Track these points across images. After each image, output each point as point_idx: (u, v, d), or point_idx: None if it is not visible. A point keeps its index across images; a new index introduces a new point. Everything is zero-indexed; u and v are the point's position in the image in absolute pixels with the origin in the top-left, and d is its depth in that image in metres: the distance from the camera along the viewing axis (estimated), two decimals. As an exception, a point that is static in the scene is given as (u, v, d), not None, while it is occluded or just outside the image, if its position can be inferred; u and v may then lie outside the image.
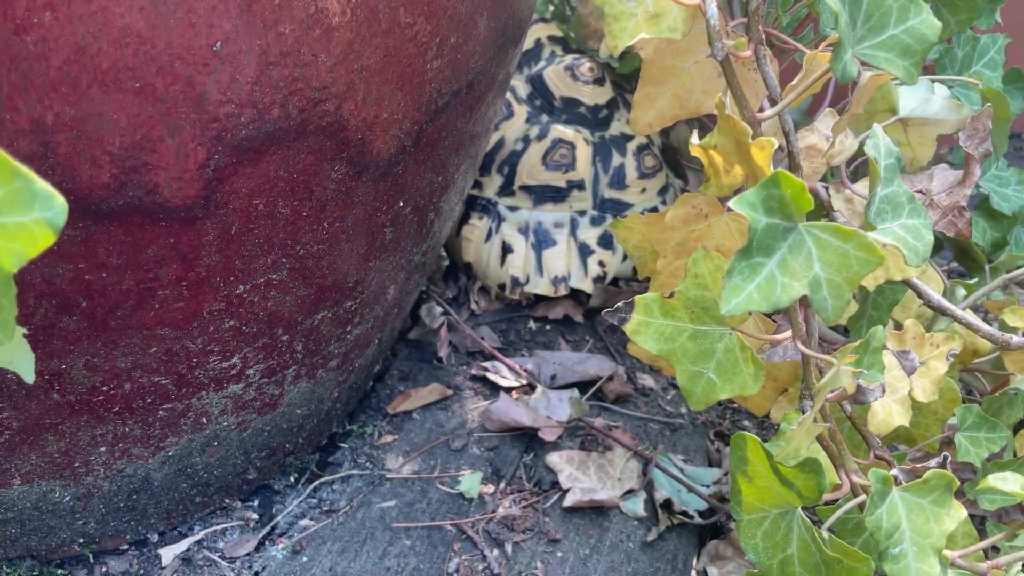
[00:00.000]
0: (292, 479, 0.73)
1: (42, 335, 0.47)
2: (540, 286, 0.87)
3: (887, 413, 0.53)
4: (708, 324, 0.47)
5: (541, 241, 0.88)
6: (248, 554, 0.67)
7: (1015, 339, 0.53)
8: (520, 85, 0.91)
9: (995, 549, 0.56)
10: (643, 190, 0.89)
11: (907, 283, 0.54)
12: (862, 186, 0.52)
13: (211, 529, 0.69)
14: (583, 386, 0.83)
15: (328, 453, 0.75)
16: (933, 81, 0.61)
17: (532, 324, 0.90)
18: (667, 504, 0.72)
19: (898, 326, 0.60)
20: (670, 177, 0.94)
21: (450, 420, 0.79)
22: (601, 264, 0.88)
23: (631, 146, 0.89)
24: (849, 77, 0.42)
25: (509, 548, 0.68)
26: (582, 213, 0.89)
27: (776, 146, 0.43)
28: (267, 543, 0.68)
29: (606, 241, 0.88)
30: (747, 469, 0.45)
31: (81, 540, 0.64)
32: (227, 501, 0.70)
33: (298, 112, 0.46)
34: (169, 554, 0.66)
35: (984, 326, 0.54)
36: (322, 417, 0.71)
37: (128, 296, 0.47)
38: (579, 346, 0.88)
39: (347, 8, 0.46)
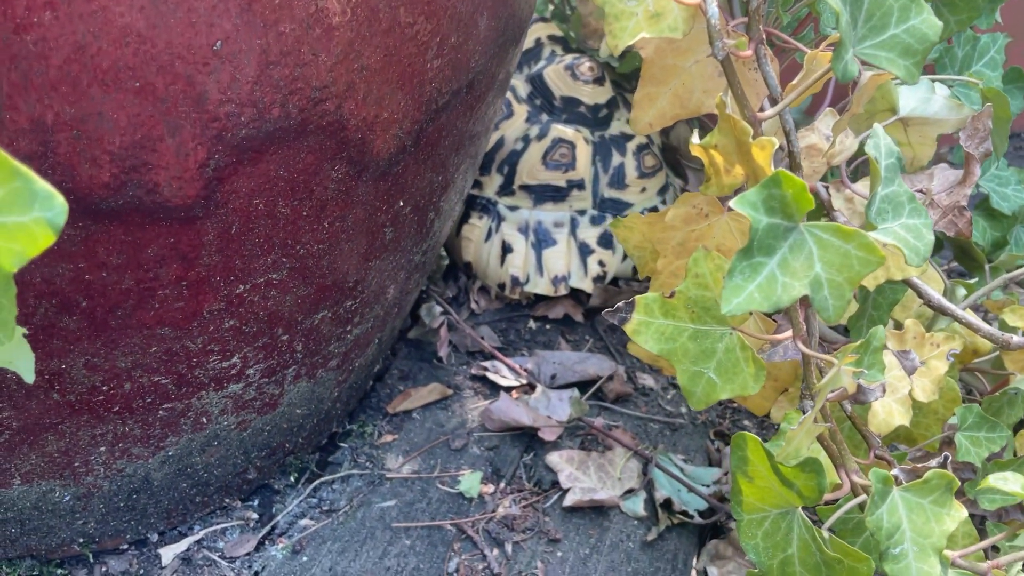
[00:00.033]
0: (292, 479, 0.73)
1: (42, 335, 0.47)
2: (540, 285, 0.87)
3: (888, 413, 0.53)
4: (709, 324, 0.47)
5: (541, 240, 0.88)
6: (248, 554, 0.67)
7: (1015, 339, 0.53)
8: (520, 84, 0.91)
9: (995, 549, 0.56)
10: (643, 189, 0.89)
11: (907, 283, 0.54)
12: (862, 186, 0.52)
13: (211, 529, 0.69)
14: (583, 386, 0.83)
15: (328, 453, 0.75)
16: (933, 81, 0.61)
17: (532, 324, 0.90)
18: (667, 504, 0.72)
19: (898, 326, 0.60)
20: (670, 176, 0.94)
21: (450, 420, 0.79)
22: (601, 264, 0.88)
23: (631, 145, 0.89)
24: (850, 77, 0.42)
25: (509, 548, 0.68)
26: (582, 212, 0.89)
27: (777, 146, 0.42)
28: (267, 543, 0.68)
29: (606, 240, 0.88)
30: (748, 469, 0.45)
31: (81, 540, 0.64)
32: (227, 501, 0.70)
33: (298, 112, 0.46)
34: (169, 554, 0.66)
35: (984, 326, 0.54)
36: (322, 417, 0.71)
37: (128, 296, 0.47)
38: (579, 346, 0.88)
39: (347, 7, 0.46)
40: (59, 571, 0.64)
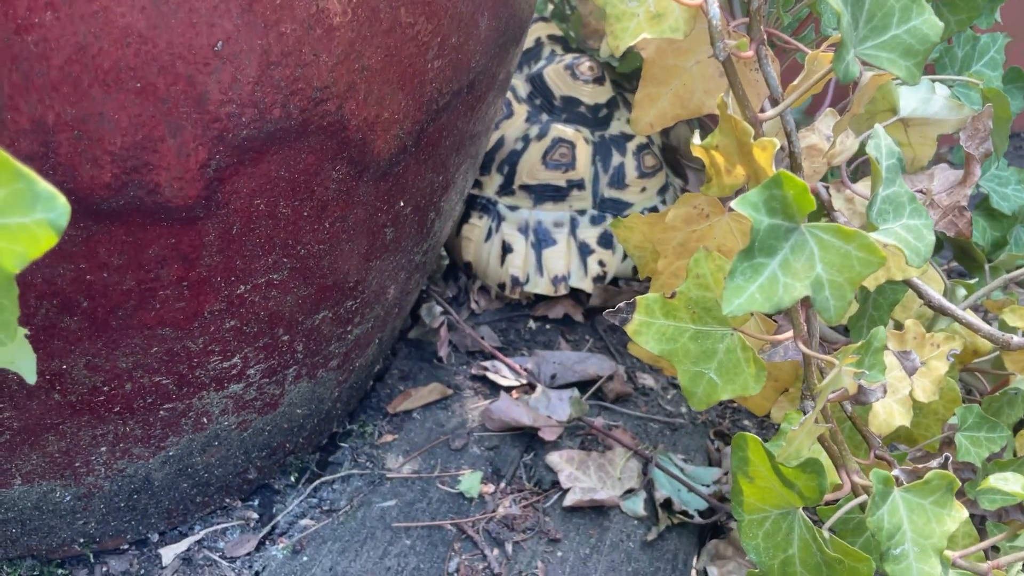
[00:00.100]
0: (292, 479, 0.73)
1: (43, 335, 0.47)
2: (540, 285, 0.87)
3: (888, 413, 0.53)
4: (710, 324, 0.47)
5: (541, 240, 0.88)
6: (248, 554, 0.67)
7: (1015, 339, 0.53)
8: (520, 84, 0.91)
9: (995, 549, 0.57)
10: (643, 189, 0.89)
11: (908, 283, 0.54)
12: (862, 186, 0.52)
13: (211, 529, 0.69)
14: (583, 385, 0.83)
15: (328, 453, 0.75)
16: (933, 81, 0.61)
17: (532, 323, 0.90)
18: (667, 504, 0.72)
19: (898, 326, 0.60)
20: (670, 176, 0.94)
21: (450, 420, 0.79)
22: (601, 263, 0.88)
23: (631, 145, 0.89)
24: (851, 77, 0.42)
25: (509, 548, 0.68)
26: (582, 212, 0.89)
27: (778, 146, 0.43)
28: (267, 543, 0.68)
29: (606, 240, 0.88)
30: (748, 470, 0.46)
31: (82, 540, 0.64)
32: (227, 501, 0.70)
33: (299, 112, 0.46)
34: (169, 554, 0.66)
35: (984, 326, 0.54)
36: (322, 417, 0.71)
37: (129, 296, 0.47)
38: (579, 345, 0.88)
39: (348, 8, 0.46)
40: (60, 571, 0.64)
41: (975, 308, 0.73)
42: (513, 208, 0.89)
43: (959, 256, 0.75)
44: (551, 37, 0.95)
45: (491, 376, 0.83)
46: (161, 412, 0.56)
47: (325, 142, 0.48)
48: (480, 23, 0.55)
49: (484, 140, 0.68)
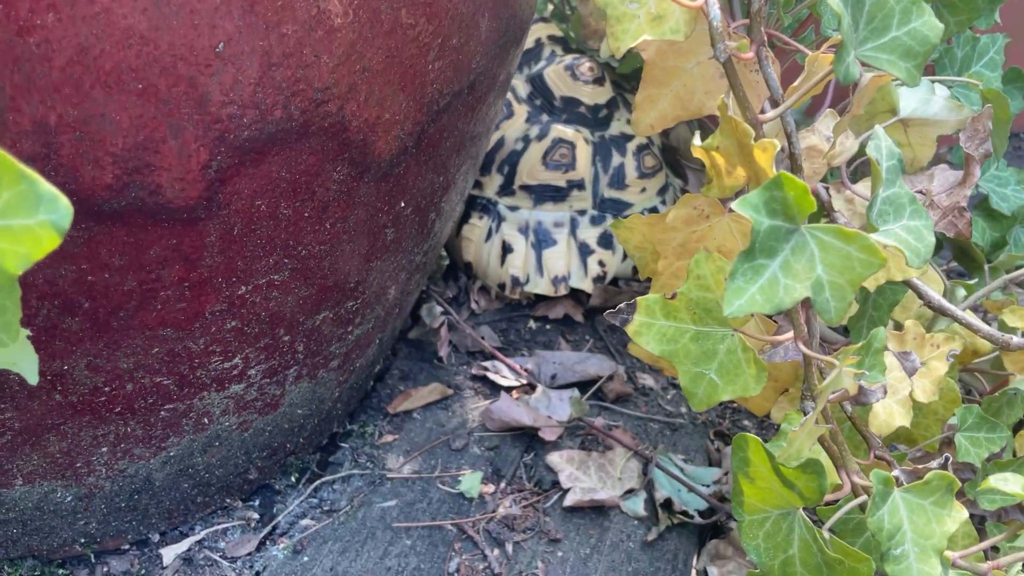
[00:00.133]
0: (293, 479, 0.73)
1: (45, 336, 0.47)
2: (540, 286, 0.88)
3: (888, 414, 0.53)
4: (710, 325, 0.47)
5: (541, 241, 0.88)
6: (249, 554, 0.67)
7: (1015, 339, 0.53)
8: (520, 85, 0.91)
9: (995, 549, 0.57)
10: (643, 190, 0.90)
11: (908, 284, 0.54)
12: (862, 187, 0.52)
13: (212, 529, 0.69)
14: (583, 386, 0.83)
15: (329, 453, 0.76)
16: (933, 81, 0.61)
17: (532, 324, 0.90)
18: (667, 504, 0.72)
19: (898, 327, 0.60)
20: (670, 177, 0.94)
21: (450, 420, 0.79)
22: (601, 264, 0.88)
23: (631, 146, 0.89)
24: (852, 79, 0.42)
25: (510, 548, 0.68)
26: (582, 213, 0.89)
27: (779, 147, 0.43)
28: (268, 543, 0.68)
29: (606, 241, 0.88)
30: (749, 470, 0.46)
31: (83, 540, 0.64)
32: (228, 501, 0.70)
33: (300, 113, 0.46)
34: (170, 554, 0.66)
35: (984, 326, 0.54)
36: (323, 417, 0.71)
37: (130, 297, 0.47)
38: (579, 346, 0.88)
39: (349, 9, 0.46)
40: (61, 571, 0.64)
41: (975, 308, 0.73)
42: (513, 208, 0.89)
43: (959, 257, 0.75)
44: (551, 38, 0.95)
45: (491, 376, 0.83)
46: (162, 412, 0.56)
47: (326, 143, 0.48)
48: (481, 24, 0.55)
49: (484, 141, 0.68)
